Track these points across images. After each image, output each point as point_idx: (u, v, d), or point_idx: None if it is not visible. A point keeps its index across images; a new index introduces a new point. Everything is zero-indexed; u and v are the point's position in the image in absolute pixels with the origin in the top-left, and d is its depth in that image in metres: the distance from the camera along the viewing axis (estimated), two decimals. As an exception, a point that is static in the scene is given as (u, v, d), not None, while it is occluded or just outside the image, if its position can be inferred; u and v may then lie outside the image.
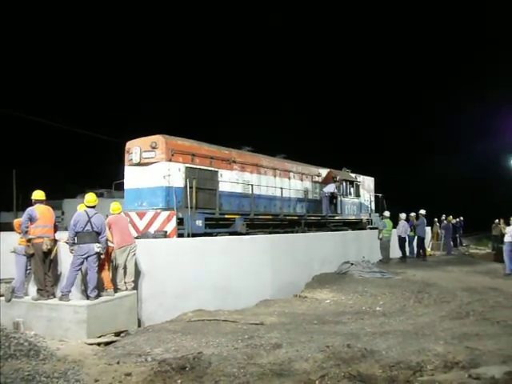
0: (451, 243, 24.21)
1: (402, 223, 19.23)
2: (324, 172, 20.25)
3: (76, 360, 6.51)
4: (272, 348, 7.09)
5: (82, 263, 8.46)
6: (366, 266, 15.63)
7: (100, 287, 8.69)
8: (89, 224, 8.46)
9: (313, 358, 6.46)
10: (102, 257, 8.81)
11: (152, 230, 12.22)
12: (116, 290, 8.98)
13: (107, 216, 9.92)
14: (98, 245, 8.44)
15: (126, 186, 13.54)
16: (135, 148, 12.97)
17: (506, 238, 16.00)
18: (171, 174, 12.72)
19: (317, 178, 19.68)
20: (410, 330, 8.42)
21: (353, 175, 22.05)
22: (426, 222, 20.79)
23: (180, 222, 12.34)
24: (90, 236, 8.44)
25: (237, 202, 14.91)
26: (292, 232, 16.58)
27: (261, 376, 5.85)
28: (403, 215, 19.59)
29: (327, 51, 73.44)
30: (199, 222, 12.90)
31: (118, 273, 9.21)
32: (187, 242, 11.44)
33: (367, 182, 23.59)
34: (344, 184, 20.60)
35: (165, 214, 12.25)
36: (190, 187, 12.74)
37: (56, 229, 9.11)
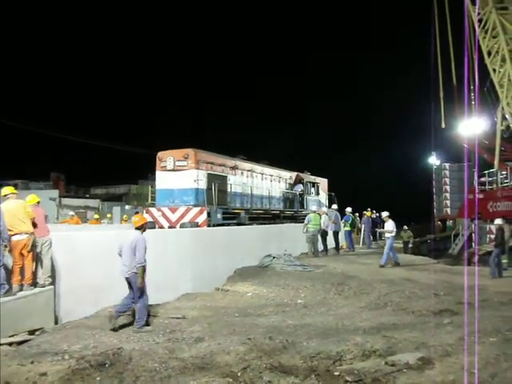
0: (370, 237, 25.06)
1: (324, 217, 19.68)
2: (293, 175, 24.63)
3: (-16, 362, 6.11)
4: (194, 342, 7.05)
5: None
6: (287, 259, 15.83)
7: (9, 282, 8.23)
8: None
9: (235, 351, 6.47)
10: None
11: (185, 220, 15.89)
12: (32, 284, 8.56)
13: None
14: None
15: (157, 187, 17.52)
16: (169, 158, 16.95)
17: (388, 234, 16.37)
18: (199, 179, 16.63)
19: (289, 180, 24.06)
20: (331, 321, 8.62)
21: (312, 177, 26.26)
22: (339, 216, 21.50)
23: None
24: None
25: (239, 199, 19.17)
26: (274, 223, 20.83)
27: (182, 370, 5.80)
28: (324, 209, 20.19)
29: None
30: (219, 215, 16.89)
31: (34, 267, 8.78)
32: (107, 235, 11.26)
33: (323, 183, 27.72)
34: (308, 185, 25.11)
35: (196, 209, 16.14)
36: (213, 189, 16.75)
37: None
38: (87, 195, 49.16)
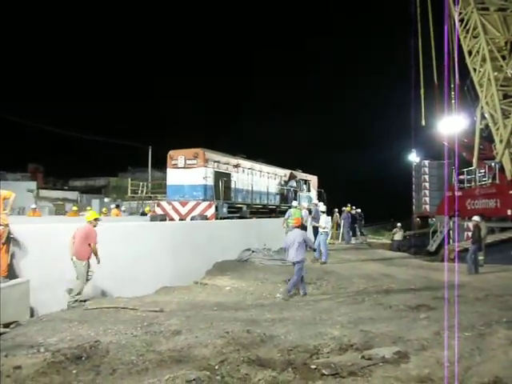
0: (350, 233, 25.16)
1: (304, 212, 19.68)
2: (287, 173, 25.97)
3: (-44, 357, 5.98)
4: (171, 335, 7.02)
5: None
6: (266, 253, 15.87)
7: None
8: None
9: (212, 344, 6.46)
10: None
11: (195, 214, 17.24)
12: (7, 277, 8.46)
13: None
14: None
15: (168, 183, 18.83)
16: (180, 156, 18.40)
17: (322, 230, 16.44)
18: (208, 176, 18.01)
19: (284, 178, 25.50)
20: (309, 315, 8.65)
21: (304, 174, 27.56)
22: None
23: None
24: None
25: (241, 195, 20.65)
26: (270, 217, 22.16)
27: (160, 363, 5.77)
28: (304, 204, 20.25)
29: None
30: (224, 210, 18.36)
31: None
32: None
33: (313, 180, 28.92)
34: (301, 182, 26.48)
35: (205, 203, 17.54)
36: (220, 185, 18.23)
37: None
38: (66, 187, 48.61)
